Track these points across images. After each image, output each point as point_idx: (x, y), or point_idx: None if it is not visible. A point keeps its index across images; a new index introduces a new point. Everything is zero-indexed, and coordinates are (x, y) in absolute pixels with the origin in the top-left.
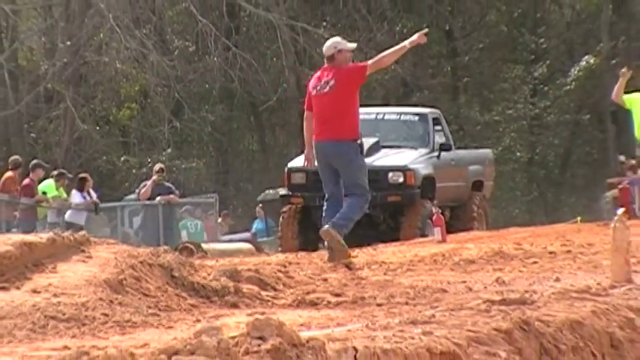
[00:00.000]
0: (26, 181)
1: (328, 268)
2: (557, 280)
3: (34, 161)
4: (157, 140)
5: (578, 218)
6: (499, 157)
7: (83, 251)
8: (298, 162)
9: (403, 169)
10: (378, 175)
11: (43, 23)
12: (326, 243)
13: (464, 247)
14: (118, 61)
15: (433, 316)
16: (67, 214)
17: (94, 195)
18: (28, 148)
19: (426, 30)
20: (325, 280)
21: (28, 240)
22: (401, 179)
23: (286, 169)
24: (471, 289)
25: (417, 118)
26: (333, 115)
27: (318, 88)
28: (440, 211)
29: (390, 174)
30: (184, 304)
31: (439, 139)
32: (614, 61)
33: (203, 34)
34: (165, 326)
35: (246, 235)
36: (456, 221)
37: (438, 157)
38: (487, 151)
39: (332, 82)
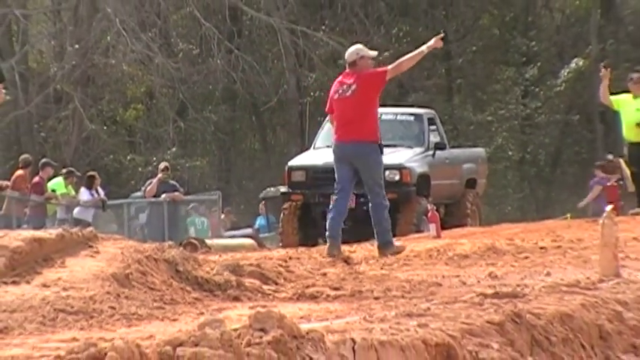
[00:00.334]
0: (36, 179)
1: (327, 263)
2: (548, 274)
3: (44, 160)
4: (162, 139)
5: (568, 215)
6: (492, 155)
7: (91, 247)
8: (298, 160)
9: (399, 167)
10: None
11: (52, 27)
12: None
13: (458, 242)
14: (124, 63)
15: (428, 308)
16: (76, 211)
17: (101, 192)
18: (38, 147)
19: (442, 35)
20: (324, 274)
21: (38, 236)
22: (397, 177)
23: (287, 168)
24: (464, 283)
25: (412, 118)
26: (355, 118)
27: (340, 92)
28: (435, 207)
29: (387, 172)
30: (188, 297)
31: (434, 138)
32: (602, 64)
33: (206, 38)
34: (170, 319)
35: (249, 231)
36: (451, 218)
37: (433, 155)
38: (480, 150)
39: (354, 87)
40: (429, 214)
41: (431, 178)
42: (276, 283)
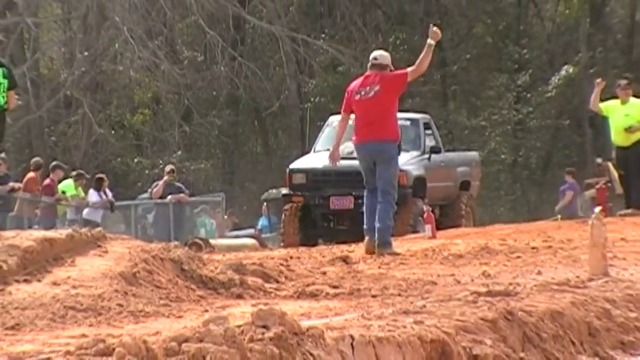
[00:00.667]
0: (47, 181)
1: (327, 262)
2: (539, 273)
3: (54, 163)
4: (168, 143)
5: (559, 216)
6: (485, 159)
7: (100, 246)
8: (299, 164)
9: None
10: None
11: (62, 35)
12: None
13: (452, 242)
14: (131, 69)
15: (424, 306)
16: (85, 212)
17: (109, 194)
18: (49, 150)
19: (433, 27)
20: (324, 273)
21: (49, 236)
22: None
23: (288, 170)
24: (459, 282)
25: (409, 122)
26: (377, 118)
27: (363, 93)
28: (430, 209)
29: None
30: (193, 295)
31: (429, 142)
32: (592, 71)
33: (211, 45)
34: (175, 316)
35: (251, 231)
36: (445, 219)
37: (429, 159)
38: (474, 154)
39: (377, 88)
40: (425, 216)
41: (427, 180)
42: (278, 282)
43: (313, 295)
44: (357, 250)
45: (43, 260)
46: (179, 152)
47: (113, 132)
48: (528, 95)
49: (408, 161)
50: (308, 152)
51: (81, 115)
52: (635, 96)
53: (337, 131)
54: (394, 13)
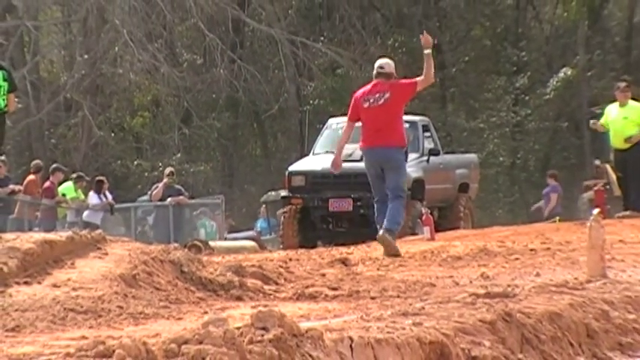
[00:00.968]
0: (47, 183)
1: (326, 263)
2: (538, 275)
3: (55, 165)
4: (168, 146)
5: (557, 218)
6: (483, 161)
7: (99, 248)
8: (298, 166)
9: None
10: None
11: (62, 38)
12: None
13: (451, 244)
14: (131, 72)
15: (423, 308)
16: (85, 214)
17: (109, 196)
18: (49, 153)
19: (422, 35)
20: (323, 275)
21: (49, 238)
22: None
23: (287, 173)
24: (457, 284)
25: (407, 125)
26: (386, 125)
27: (372, 100)
28: (429, 211)
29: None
30: (193, 297)
31: (428, 144)
32: (589, 73)
33: (210, 48)
34: (175, 318)
35: (251, 233)
36: (444, 221)
37: (427, 161)
38: (472, 156)
39: (387, 95)
40: (424, 218)
41: (425, 182)
42: (277, 284)
43: (312, 297)
44: (356, 252)
45: (43, 262)
46: (179, 155)
47: (113, 134)
48: (526, 98)
49: (407, 163)
50: (307, 155)
51: (81, 117)
52: (633, 99)
53: (341, 138)
54: (393, 16)
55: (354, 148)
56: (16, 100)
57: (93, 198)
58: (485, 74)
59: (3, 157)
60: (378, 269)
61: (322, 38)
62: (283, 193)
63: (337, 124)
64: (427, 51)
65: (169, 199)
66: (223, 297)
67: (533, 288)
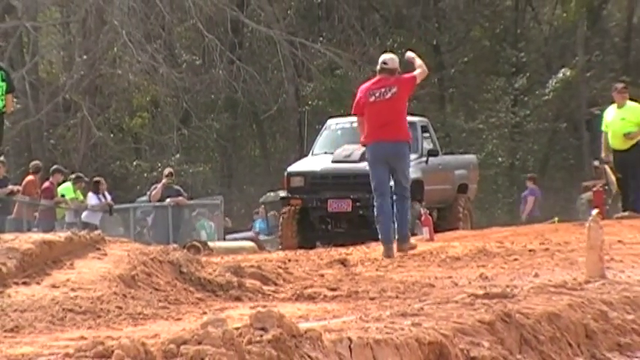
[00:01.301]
0: (46, 184)
1: (325, 264)
2: (536, 275)
3: (55, 167)
4: (167, 146)
5: (556, 218)
6: (482, 162)
7: (98, 249)
8: (297, 167)
9: None
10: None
11: (61, 39)
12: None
13: (450, 245)
14: (130, 73)
15: (422, 308)
16: (84, 215)
17: (108, 197)
18: (48, 153)
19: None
20: (322, 275)
21: (48, 238)
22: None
23: (286, 173)
24: (456, 284)
25: None
26: (393, 119)
27: (378, 94)
28: (428, 212)
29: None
30: (192, 297)
31: (427, 145)
32: (588, 74)
33: (209, 49)
34: (174, 318)
35: (250, 234)
36: (443, 221)
37: (426, 162)
38: (471, 157)
39: (394, 90)
40: (423, 218)
41: (424, 183)
42: (276, 284)
43: (311, 298)
44: (355, 252)
45: (42, 263)
46: (178, 155)
47: (112, 135)
48: (525, 98)
49: None
50: (306, 155)
51: (80, 118)
52: (631, 99)
53: (361, 132)
54: (392, 17)
55: (352, 149)
56: (14, 100)
57: (92, 198)
58: (484, 75)
59: (2, 158)
60: (376, 270)
61: (321, 39)
62: (282, 193)
63: (336, 124)
64: (409, 54)
65: (168, 200)
66: (222, 297)
67: (532, 288)
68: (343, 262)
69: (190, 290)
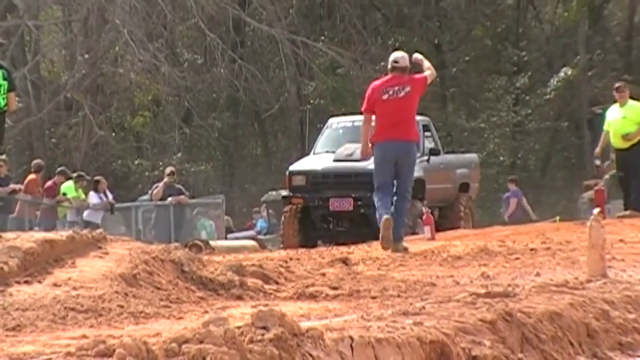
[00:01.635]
0: (49, 183)
1: (326, 263)
2: (538, 274)
3: (60, 168)
4: (168, 145)
5: (557, 218)
6: (484, 161)
7: (100, 248)
8: (299, 165)
9: None
10: (373, 177)
11: (63, 38)
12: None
13: (451, 244)
14: (132, 72)
15: (423, 307)
16: (85, 214)
17: (110, 196)
18: (50, 152)
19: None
20: (323, 274)
21: (49, 237)
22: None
23: (287, 172)
24: (458, 283)
25: None
26: (406, 118)
27: (391, 92)
28: (429, 210)
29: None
30: (193, 296)
31: (429, 144)
32: (590, 73)
33: (211, 48)
34: (175, 317)
35: (251, 233)
36: (444, 220)
37: (428, 161)
38: (473, 156)
39: (408, 88)
40: (424, 217)
41: (426, 182)
42: (278, 283)
43: (313, 297)
44: (357, 251)
45: (43, 262)
46: (179, 154)
47: (114, 134)
48: (527, 97)
49: None
50: (307, 154)
51: (81, 117)
52: (632, 98)
53: (364, 130)
54: (393, 16)
55: (354, 148)
56: (16, 99)
57: (93, 197)
58: (485, 74)
59: (3, 157)
60: (378, 269)
61: (323, 38)
62: (284, 192)
63: (338, 123)
64: (416, 55)
65: (170, 199)
66: (224, 296)
67: (534, 288)
68: (345, 261)
69: (192, 289)
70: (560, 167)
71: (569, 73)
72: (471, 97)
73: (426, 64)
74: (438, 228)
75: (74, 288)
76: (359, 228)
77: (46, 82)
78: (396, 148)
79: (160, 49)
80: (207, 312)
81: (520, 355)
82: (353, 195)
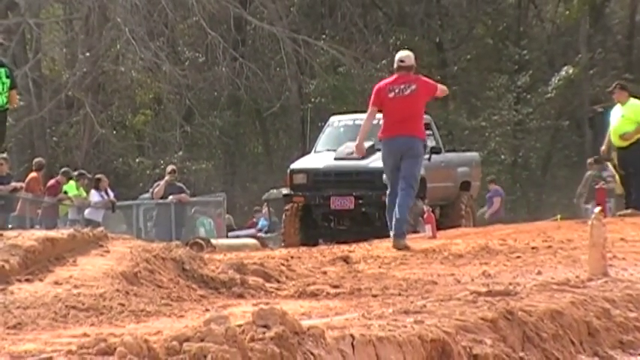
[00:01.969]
0: (52, 181)
1: (327, 261)
2: (539, 273)
3: (64, 169)
4: (170, 144)
5: (558, 216)
6: (485, 159)
7: (101, 246)
8: (300, 164)
9: None
10: (374, 175)
11: (64, 36)
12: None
13: (453, 242)
14: (133, 70)
15: (424, 306)
16: (86, 212)
17: (111, 194)
18: (51, 151)
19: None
20: (325, 272)
21: (51, 235)
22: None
23: (289, 171)
24: (459, 282)
25: None
26: (411, 115)
27: (397, 90)
28: (430, 209)
29: (385, 175)
30: (194, 294)
31: (430, 142)
32: (591, 71)
33: (212, 46)
34: (177, 315)
35: (252, 231)
36: (446, 219)
37: (429, 159)
38: (474, 154)
39: (414, 87)
40: (425, 216)
41: (427, 180)
42: (279, 281)
43: (314, 295)
44: (358, 250)
45: (45, 260)
46: (180, 152)
47: (115, 132)
48: (528, 96)
49: None
50: (309, 152)
51: (83, 115)
52: (634, 96)
53: (364, 125)
54: (395, 14)
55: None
56: (17, 97)
57: (94, 196)
58: (486, 72)
59: (5, 155)
60: (379, 267)
61: (324, 36)
62: (285, 191)
63: (339, 122)
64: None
65: (171, 197)
66: (225, 295)
67: (535, 286)
68: (346, 260)
69: (193, 287)
70: (562, 166)
71: (571, 71)
72: (472, 96)
73: (440, 87)
74: (439, 226)
75: (75, 286)
76: (360, 226)
77: (47, 81)
78: (400, 144)
79: (161, 48)
80: (208, 310)
81: (521, 354)
82: (354, 193)
